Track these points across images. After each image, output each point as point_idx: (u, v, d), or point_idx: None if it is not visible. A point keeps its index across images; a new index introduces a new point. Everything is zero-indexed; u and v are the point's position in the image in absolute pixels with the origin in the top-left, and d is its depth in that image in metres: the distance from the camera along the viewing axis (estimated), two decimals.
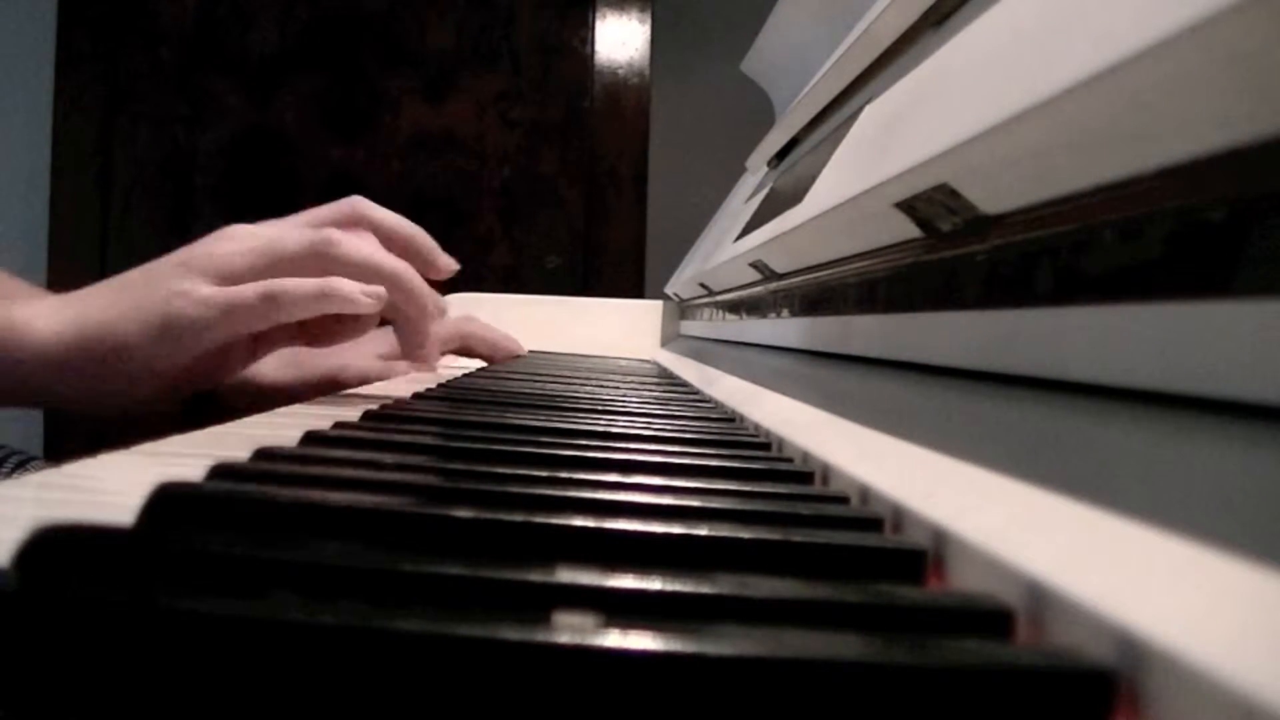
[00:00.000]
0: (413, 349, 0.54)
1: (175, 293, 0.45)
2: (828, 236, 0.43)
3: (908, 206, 0.31)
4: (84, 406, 0.50)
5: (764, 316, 0.66)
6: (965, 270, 0.29)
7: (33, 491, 0.24)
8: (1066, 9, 0.22)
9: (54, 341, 0.46)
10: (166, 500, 0.19)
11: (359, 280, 0.48)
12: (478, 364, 0.82)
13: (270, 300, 0.45)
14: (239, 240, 0.49)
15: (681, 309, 1.19)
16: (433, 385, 0.53)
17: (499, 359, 0.83)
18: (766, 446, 0.35)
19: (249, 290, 0.45)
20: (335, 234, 0.48)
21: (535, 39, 1.99)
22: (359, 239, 0.50)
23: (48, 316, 0.47)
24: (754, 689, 0.12)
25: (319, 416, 0.40)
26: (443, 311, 0.59)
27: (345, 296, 0.45)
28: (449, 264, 0.59)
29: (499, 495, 0.22)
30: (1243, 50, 0.14)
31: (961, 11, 0.37)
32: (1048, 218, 0.23)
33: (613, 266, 2.01)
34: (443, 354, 0.76)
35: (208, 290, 0.45)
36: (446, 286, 1.06)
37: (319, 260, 0.47)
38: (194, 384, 0.51)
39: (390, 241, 0.54)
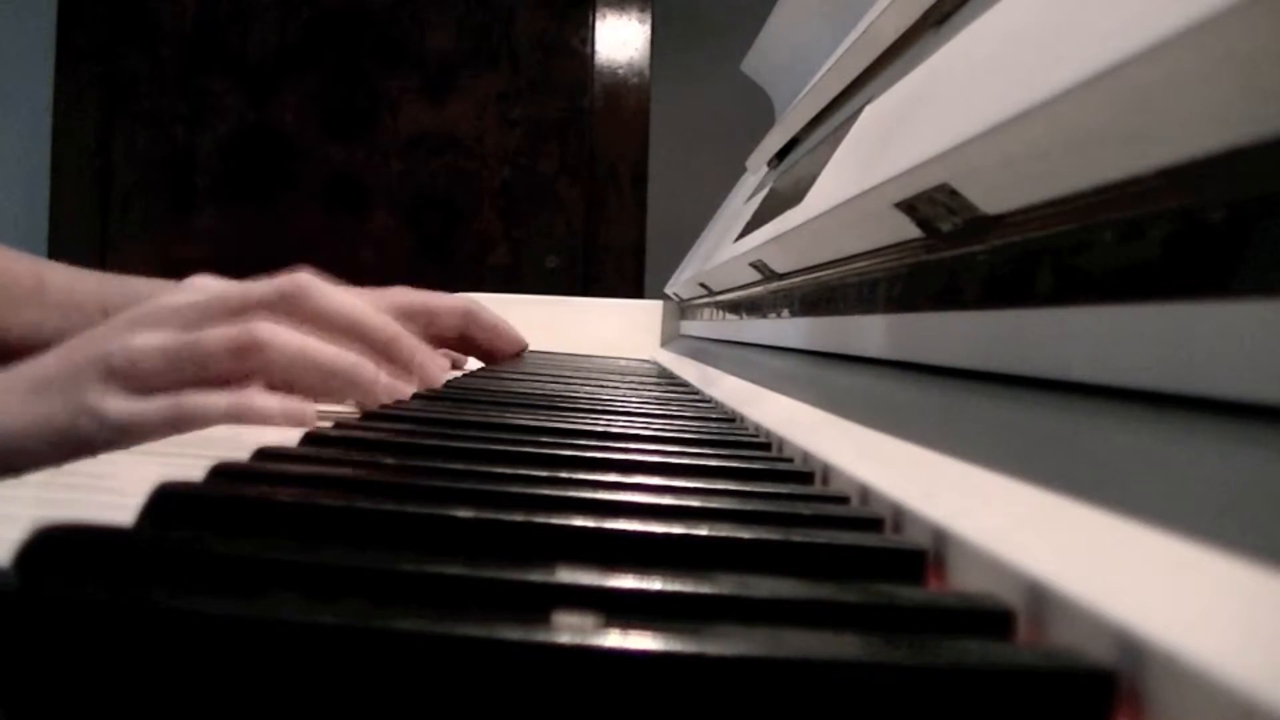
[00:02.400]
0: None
1: (84, 409, 0.42)
2: (828, 236, 0.43)
3: (908, 206, 0.31)
4: None
5: (764, 316, 0.66)
6: (965, 270, 0.29)
7: (33, 491, 0.24)
8: (1067, 9, 0.22)
9: None
10: (166, 500, 0.19)
11: (295, 376, 0.43)
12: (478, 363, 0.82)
13: (175, 423, 0.41)
14: (160, 322, 0.45)
15: (681, 309, 1.19)
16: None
17: (499, 354, 0.80)
18: (766, 446, 0.35)
19: (154, 414, 0.42)
20: (263, 331, 0.43)
21: (535, 39, 1.99)
22: (292, 332, 0.44)
23: None
24: (754, 689, 0.12)
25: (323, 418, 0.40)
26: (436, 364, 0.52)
27: (259, 416, 0.41)
28: (429, 367, 0.52)
29: (499, 495, 0.22)
30: (1243, 50, 0.14)
31: (962, 11, 0.37)
32: (1048, 218, 0.23)
33: (613, 266, 2.01)
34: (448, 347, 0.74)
35: (114, 408, 0.42)
36: (445, 287, 1.05)
37: (243, 361, 0.43)
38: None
39: (341, 333, 0.47)
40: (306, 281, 0.47)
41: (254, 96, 1.96)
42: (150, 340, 0.43)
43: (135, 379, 0.42)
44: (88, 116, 1.94)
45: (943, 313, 0.30)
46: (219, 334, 0.43)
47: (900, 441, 0.26)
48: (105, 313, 0.63)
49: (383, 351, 0.48)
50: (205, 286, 0.47)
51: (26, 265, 0.66)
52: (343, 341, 0.46)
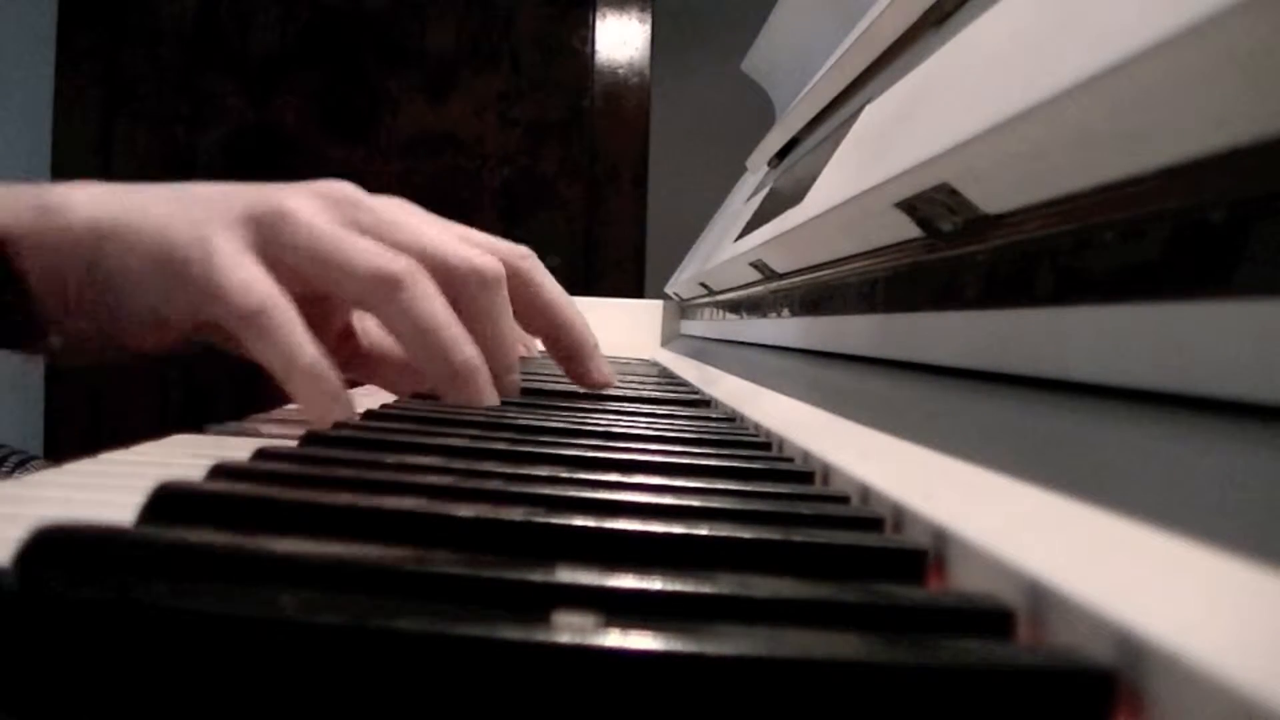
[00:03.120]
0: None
1: (203, 237, 0.38)
2: (828, 236, 0.43)
3: (908, 206, 0.31)
4: (95, 340, 0.42)
5: (764, 316, 0.66)
6: (965, 270, 0.29)
7: (33, 490, 0.24)
8: (1067, 9, 0.22)
9: (86, 228, 0.39)
10: (166, 499, 0.19)
11: (412, 340, 0.39)
12: None
13: (255, 327, 0.37)
14: (323, 214, 0.40)
15: (682, 308, 1.20)
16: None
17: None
18: (767, 446, 0.35)
19: (242, 300, 0.37)
20: (417, 276, 0.39)
21: (535, 39, 1.99)
22: (441, 299, 0.39)
23: (89, 199, 0.40)
24: (755, 689, 0.12)
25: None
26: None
27: (316, 390, 0.37)
28: (600, 374, 0.49)
29: (499, 494, 0.22)
30: (1243, 50, 0.14)
31: (962, 11, 0.37)
32: (1048, 218, 0.23)
33: (613, 266, 2.01)
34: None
35: (224, 257, 0.38)
36: None
37: (379, 291, 0.38)
38: (134, 345, 0.42)
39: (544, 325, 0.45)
40: (531, 264, 0.45)
41: (254, 96, 1.96)
42: (306, 215, 0.39)
43: (273, 253, 0.38)
44: (88, 116, 1.95)
45: (943, 312, 0.30)
46: (372, 253, 0.39)
47: (900, 441, 0.26)
48: None
49: (567, 356, 0.47)
50: (356, 199, 0.42)
51: None
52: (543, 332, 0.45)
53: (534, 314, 0.46)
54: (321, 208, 0.40)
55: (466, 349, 0.40)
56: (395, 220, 0.42)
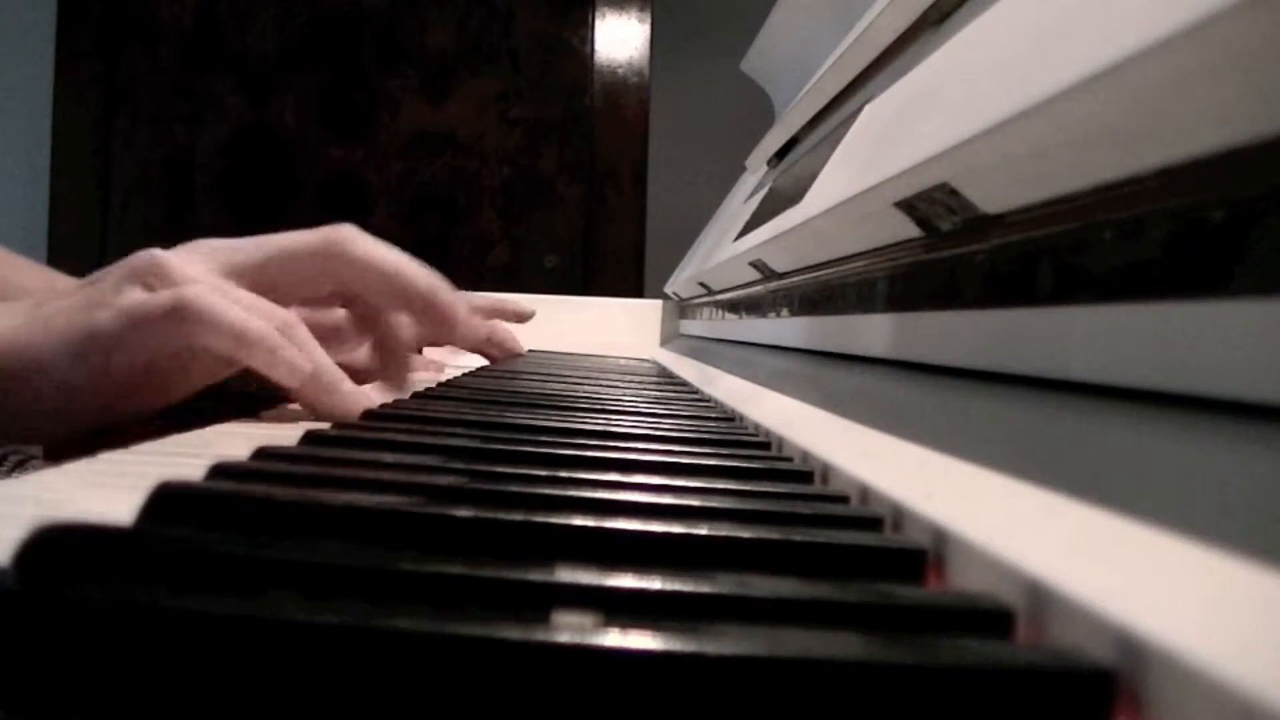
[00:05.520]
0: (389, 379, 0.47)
1: (99, 303, 0.39)
2: (827, 236, 0.43)
3: (908, 206, 0.31)
4: (28, 426, 0.43)
5: (764, 316, 0.66)
6: (965, 270, 0.29)
7: (33, 490, 0.24)
8: (1067, 8, 0.22)
9: None
10: (166, 499, 0.19)
11: (370, 283, 0.43)
12: (479, 361, 0.82)
13: (177, 316, 0.38)
14: (207, 250, 0.42)
15: (681, 308, 1.19)
16: (433, 385, 0.53)
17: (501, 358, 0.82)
18: (766, 446, 0.35)
19: (155, 300, 0.38)
20: (345, 230, 0.42)
21: (535, 38, 1.99)
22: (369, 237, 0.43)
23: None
24: (754, 688, 0.12)
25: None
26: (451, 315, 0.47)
27: (267, 349, 0.38)
28: (471, 325, 0.49)
29: (499, 494, 0.22)
30: (1243, 50, 0.14)
31: (961, 11, 0.37)
32: (1048, 218, 0.23)
33: (612, 266, 2.01)
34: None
35: (125, 298, 0.39)
36: None
37: (329, 260, 0.42)
38: (144, 404, 0.43)
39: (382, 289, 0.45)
40: (349, 232, 0.44)
41: (254, 96, 1.96)
42: (235, 254, 0.41)
43: (162, 277, 0.40)
44: (88, 116, 1.94)
45: (942, 312, 0.30)
46: (303, 236, 0.41)
47: (900, 441, 0.26)
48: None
49: (422, 310, 0.45)
50: (226, 243, 0.44)
51: None
52: (384, 299, 0.45)
53: (364, 286, 0.45)
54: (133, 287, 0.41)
55: (425, 275, 0.43)
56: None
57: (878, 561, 0.19)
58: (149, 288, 0.40)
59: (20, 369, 0.39)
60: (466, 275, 1.93)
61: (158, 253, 0.41)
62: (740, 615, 0.15)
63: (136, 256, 0.41)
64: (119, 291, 0.40)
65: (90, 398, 0.40)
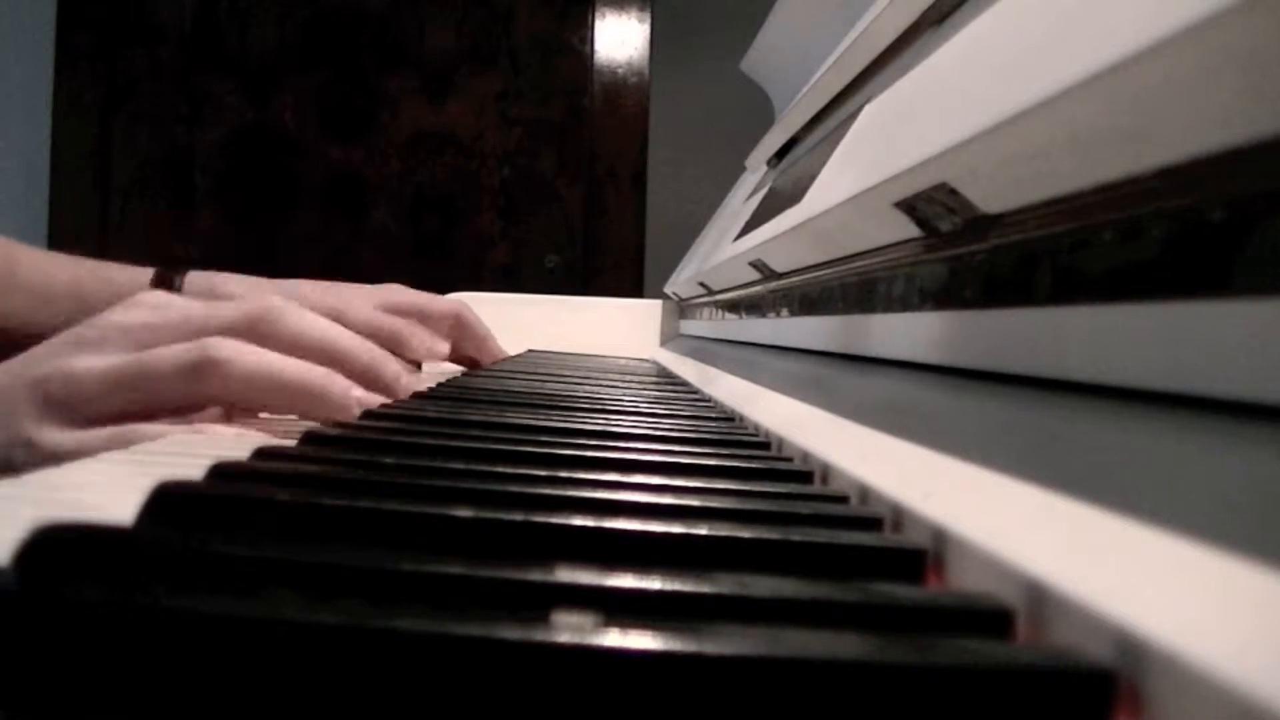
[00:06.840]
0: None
1: (18, 441, 0.38)
2: (827, 236, 0.43)
3: (908, 206, 0.31)
4: None
5: (763, 316, 0.66)
6: (965, 270, 0.29)
7: (33, 491, 0.24)
8: (1067, 8, 0.22)
9: None
10: (166, 499, 0.19)
11: (257, 396, 0.40)
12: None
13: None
14: (106, 343, 0.40)
15: (681, 308, 1.19)
16: (433, 385, 0.53)
17: (479, 365, 0.79)
18: (766, 446, 0.35)
19: (93, 446, 0.36)
20: (221, 348, 0.39)
21: (534, 38, 1.99)
22: (252, 348, 0.40)
23: None
24: (753, 688, 0.12)
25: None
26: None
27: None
28: (399, 379, 0.47)
29: (499, 494, 0.22)
30: (1243, 50, 0.14)
31: (961, 10, 0.37)
32: (1048, 218, 0.23)
33: (612, 266, 2.01)
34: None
35: (50, 440, 0.38)
36: (445, 287, 1.05)
37: (198, 382, 0.39)
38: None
39: (315, 358, 0.43)
40: (279, 306, 0.43)
41: (253, 96, 1.96)
42: (93, 364, 0.39)
43: (75, 407, 0.38)
44: (88, 116, 1.94)
45: (942, 312, 0.30)
46: (169, 353, 0.39)
47: (899, 441, 0.26)
48: (81, 301, 0.60)
49: (361, 377, 0.44)
50: (160, 304, 0.43)
51: None
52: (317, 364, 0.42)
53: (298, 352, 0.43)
54: (96, 352, 0.40)
55: (312, 371, 0.41)
56: (164, 306, 0.43)
57: (877, 561, 0.19)
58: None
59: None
60: (467, 275, 1.93)
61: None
62: (740, 615, 0.15)
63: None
64: (22, 421, 0.39)
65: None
